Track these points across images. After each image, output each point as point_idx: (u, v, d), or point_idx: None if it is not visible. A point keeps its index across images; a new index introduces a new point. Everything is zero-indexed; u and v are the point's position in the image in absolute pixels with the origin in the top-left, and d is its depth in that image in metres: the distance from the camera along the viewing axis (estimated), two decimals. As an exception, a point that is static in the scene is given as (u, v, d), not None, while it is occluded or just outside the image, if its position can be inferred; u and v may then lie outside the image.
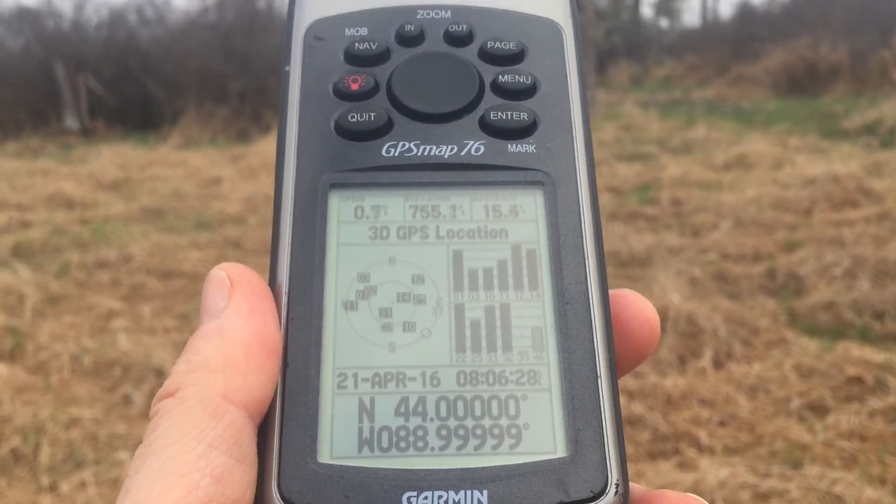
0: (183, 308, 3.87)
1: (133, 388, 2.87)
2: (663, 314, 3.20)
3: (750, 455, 2.30)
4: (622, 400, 2.66)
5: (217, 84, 11.75)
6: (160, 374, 2.92)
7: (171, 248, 4.72)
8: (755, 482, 2.09)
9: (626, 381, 2.78)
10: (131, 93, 12.54)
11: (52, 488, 2.28)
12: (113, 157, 8.50)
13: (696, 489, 2.05)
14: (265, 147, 8.78)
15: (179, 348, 3.27)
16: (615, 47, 21.78)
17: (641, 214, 5.54)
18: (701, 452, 2.34)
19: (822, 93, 14.85)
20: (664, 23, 26.67)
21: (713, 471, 2.14)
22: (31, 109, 12.38)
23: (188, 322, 3.64)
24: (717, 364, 2.94)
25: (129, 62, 12.57)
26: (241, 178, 7.55)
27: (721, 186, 6.35)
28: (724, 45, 20.63)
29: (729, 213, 5.29)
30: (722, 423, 2.50)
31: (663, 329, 3.14)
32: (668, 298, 3.27)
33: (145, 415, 2.75)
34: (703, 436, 2.41)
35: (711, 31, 23.59)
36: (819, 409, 2.55)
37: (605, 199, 6.06)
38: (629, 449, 2.39)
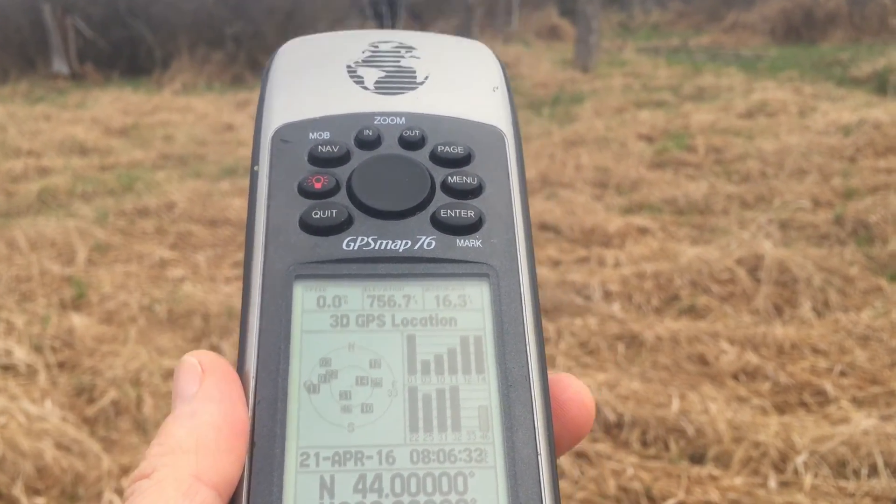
0: (237, 257, 3.74)
1: (219, 339, 2.76)
2: (757, 263, 3.13)
3: (882, 405, 2.26)
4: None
5: (211, 28, 11.36)
6: (246, 325, 2.81)
7: (210, 195, 4.56)
8: (901, 432, 2.04)
9: (734, 332, 2.72)
10: (120, 36, 12.11)
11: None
12: (114, 102, 8.21)
13: (847, 441, 2.00)
14: (273, 92, 8.53)
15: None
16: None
17: (684, 162, 5.44)
18: (829, 403, 2.29)
19: (819, 40, 14.73)
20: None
21: (855, 421, 2.09)
22: (17, 53, 11.93)
23: (249, 271, 3.52)
24: (818, 313, 2.88)
25: (118, 4, 12.13)
26: (254, 124, 7.32)
27: (753, 133, 6.27)
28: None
29: (774, 161, 5.21)
30: (843, 374, 2.45)
31: (758, 277, 3.08)
32: (759, 246, 3.19)
33: (238, 367, 2.64)
34: (828, 386, 2.36)
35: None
36: (933, 358, 2.51)
37: (640, 147, 5.95)
38: (754, 400, 2.34)
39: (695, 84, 9.39)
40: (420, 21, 13.85)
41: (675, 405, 2.23)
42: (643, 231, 4.07)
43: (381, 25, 13.01)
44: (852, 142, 5.43)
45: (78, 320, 2.85)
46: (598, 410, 2.24)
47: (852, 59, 10.89)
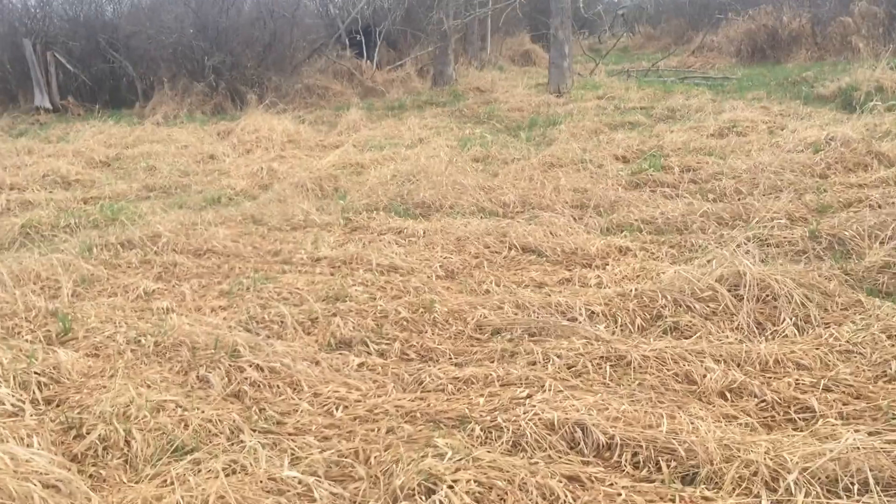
0: (223, 287, 3.73)
1: (207, 371, 2.75)
2: (737, 280, 3.18)
3: (868, 420, 2.30)
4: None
5: (191, 60, 11.37)
6: (234, 355, 2.80)
7: (194, 225, 4.55)
8: (888, 448, 2.07)
9: (718, 350, 2.76)
10: (101, 69, 12.11)
11: (158, 477, 2.16)
12: (96, 134, 8.18)
13: (834, 457, 2.03)
14: (251, 123, 8.55)
15: (240, 327, 3.15)
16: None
17: (660, 181, 5.51)
18: (816, 419, 2.33)
19: (784, 59, 15.06)
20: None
21: (843, 437, 2.12)
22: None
23: (234, 300, 3.52)
24: (799, 329, 2.94)
25: (98, 38, 12.11)
26: (236, 153, 7.34)
27: (725, 152, 6.37)
28: (680, 16, 20.82)
29: (747, 179, 5.30)
30: (827, 389, 2.49)
31: (739, 295, 3.12)
32: (739, 264, 3.24)
33: (228, 398, 2.63)
34: (813, 402, 2.40)
35: (666, 1, 23.77)
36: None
37: (616, 168, 6.02)
38: (741, 418, 2.37)
39: (666, 105, 9.52)
40: (396, 49, 13.93)
41: (665, 425, 2.26)
42: (624, 251, 4.12)
43: (358, 54, 13.06)
44: (822, 158, 5.54)
45: (64, 355, 2.83)
46: (589, 433, 2.26)
47: (817, 77, 11.14)
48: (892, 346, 2.68)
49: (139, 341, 3.00)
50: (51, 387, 2.69)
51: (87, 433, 2.39)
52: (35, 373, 2.72)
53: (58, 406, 2.59)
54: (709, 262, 3.45)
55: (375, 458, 2.24)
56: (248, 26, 11.62)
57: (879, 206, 4.36)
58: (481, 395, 2.56)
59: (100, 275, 3.82)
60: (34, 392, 2.63)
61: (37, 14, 12.26)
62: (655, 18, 23.20)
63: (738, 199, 4.85)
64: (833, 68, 12.23)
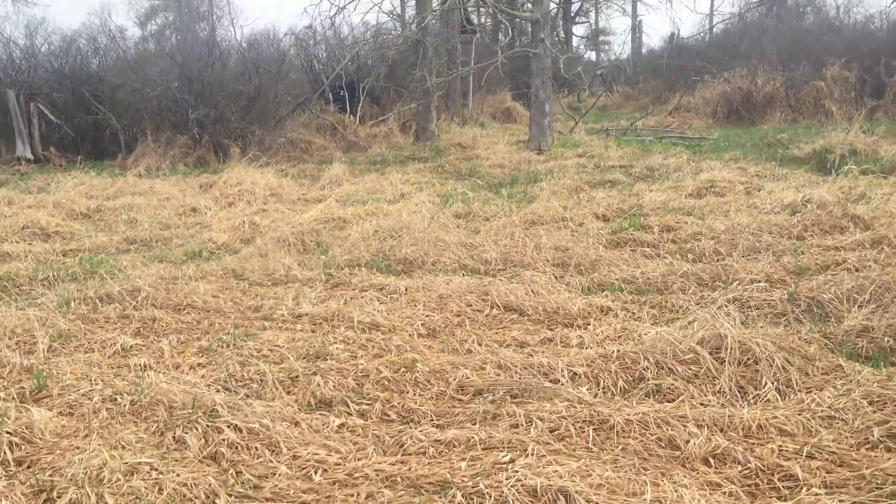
0: (204, 343, 3.69)
1: (184, 431, 2.69)
2: (719, 343, 3.20)
3: (852, 489, 2.29)
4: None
5: (175, 112, 11.46)
6: (212, 415, 2.75)
7: (174, 279, 4.51)
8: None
9: (702, 414, 2.75)
10: (84, 121, 12.16)
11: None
12: (77, 185, 8.16)
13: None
14: (234, 176, 8.56)
15: (219, 386, 3.10)
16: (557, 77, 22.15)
17: (640, 241, 5.56)
18: (800, 489, 2.32)
19: (759, 121, 15.44)
20: (592, 56, 27.50)
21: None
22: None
23: (213, 357, 3.47)
24: (781, 393, 2.94)
25: (82, 90, 12.19)
26: (218, 206, 7.33)
27: (704, 212, 6.46)
28: (657, 77, 21.38)
29: (726, 240, 5.36)
30: (811, 456, 2.48)
31: (720, 358, 3.13)
32: (720, 326, 3.26)
33: (205, 460, 2.58)
34: (797, 470, 2.39)
35: (644, 63, 24.41)
36: (898, 438, 2.57)
37: (597, 226, 6.08)
38: (725, 486, 2.35)
39: (645, 164, 9.66)
40: (379, 104, 14.11)
41: (649, 493, 2.24)
42: (605, 311, 4.13)
43: (342, 109, 13.21)
44: (799, 220, 5.63)
45: (38, 414, 2.77)
46: (573, 501, 2.23)
47: (791, 139, 11.39)
48: (874, 412, 2.69)
49: (115, 400, 2.95)
50: (22, 447, 2.62)
51: (58, 497, 2.32)
52: (7, 432, 2.65)
53: (29, 468, 2.52)
54: (690, 323, 3.47)
55: (355, 524, 2.19)
56: (233, 81, 11.74)
57: (857, 270, 4.42)
58: (463, 459, 2.53)
59: (77, 330, 3.76)
60: (5, 453, 2.57)
61: (21, 65, 12.33)
62: (633, 79, 23.78)
63: (718, 260, 4.90)
64: (807, 131, 12.53)
